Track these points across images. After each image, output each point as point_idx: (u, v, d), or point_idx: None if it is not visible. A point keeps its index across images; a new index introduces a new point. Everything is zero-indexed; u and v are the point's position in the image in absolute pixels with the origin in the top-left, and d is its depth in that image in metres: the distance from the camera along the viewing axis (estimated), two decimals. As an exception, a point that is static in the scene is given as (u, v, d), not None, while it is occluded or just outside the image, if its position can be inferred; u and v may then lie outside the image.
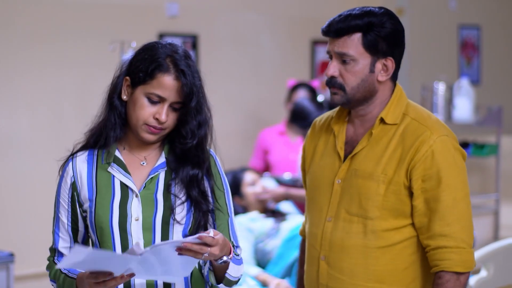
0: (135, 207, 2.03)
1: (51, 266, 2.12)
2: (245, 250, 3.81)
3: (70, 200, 2.08)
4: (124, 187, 2.05)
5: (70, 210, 2.08)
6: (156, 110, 1.99)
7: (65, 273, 2.06)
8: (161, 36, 4.97)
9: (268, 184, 4.41)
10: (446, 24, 6.50)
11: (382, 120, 2.17)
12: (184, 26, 5.09)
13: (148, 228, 2.03)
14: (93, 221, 2.05)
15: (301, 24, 5.74)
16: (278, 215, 4.12)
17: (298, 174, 4.72)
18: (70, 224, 2.09)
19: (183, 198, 2.04)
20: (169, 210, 2.03)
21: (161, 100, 1.98)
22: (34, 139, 4.62)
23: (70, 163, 2.08)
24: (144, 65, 1.99)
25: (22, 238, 4.58)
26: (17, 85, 4.58)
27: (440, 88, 5.25)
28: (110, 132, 2.05)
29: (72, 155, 2.09)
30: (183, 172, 2.05)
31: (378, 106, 2.18)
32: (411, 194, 2.11)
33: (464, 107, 5.33)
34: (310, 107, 4.14)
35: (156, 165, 2.06)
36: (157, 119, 1.99)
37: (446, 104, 5.26)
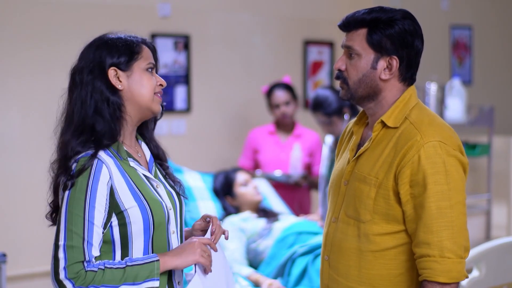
0: (165, 196, 2.09)
1: (82, 274, 1.90)
2: (237, 250, 3.80)
3: (108, 203, 1.96)
4: (147, 179, 2.07)
5: (106, 214, 1.95)
6: (155, 78, 2.10)
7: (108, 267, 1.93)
8: (153, 36, 4.96)
9: (260, 184, 4.41)
10: (438, 24, 6.51)
11: (384, 123, 2.14)
12: (176, 27, 5.08)
13: (177, 214, 2.11)
14: (150, 220, 1.99)
15: (293, 25, 5.74)
16: (270, 215, 4.12)
17: (290, 171, 4.72)
18: (103, 229, 1.96)
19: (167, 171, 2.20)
20: (175, 190, 2.15)
21: (153, 67, 2.10)
22: (26, 141, 4.60)
23: (103, 165, 1.96)
24: (127, 46, 2.07)
25: (14, 239, 4.57)
26: (9, 86, 4.57)
27: (432, 88, 5.25)
28: (117, 127, 2.03)
29: (93, 156, 1.97)
30: (158, 150, 2.19)
31: (385, 107, 2.16)
32: (400, 199, 2.07)
33: (456, 107, 5.34)
34: (332, 96, 4.11)
35: (150, 154, 2.14)
36: (160, 85, 2.10)
37: (438, 105, 5.27)
